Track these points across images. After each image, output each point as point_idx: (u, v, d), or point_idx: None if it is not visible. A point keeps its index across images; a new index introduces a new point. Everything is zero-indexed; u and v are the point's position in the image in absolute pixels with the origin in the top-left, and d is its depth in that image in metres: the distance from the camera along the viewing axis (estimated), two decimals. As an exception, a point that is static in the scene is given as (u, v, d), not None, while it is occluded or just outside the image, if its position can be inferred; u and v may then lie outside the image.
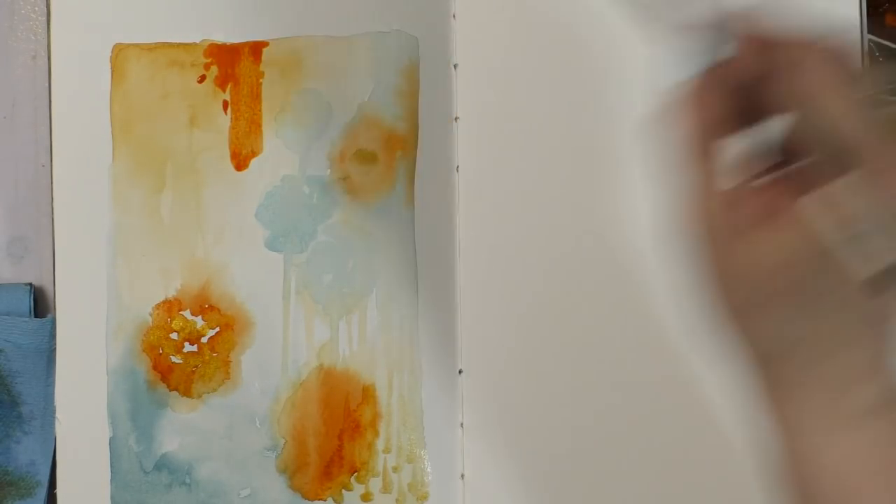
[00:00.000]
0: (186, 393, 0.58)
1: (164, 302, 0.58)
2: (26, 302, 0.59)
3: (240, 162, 0.59)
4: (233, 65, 0.59)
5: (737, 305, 0.41)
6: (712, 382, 0.58)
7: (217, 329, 0.58)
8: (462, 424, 0.60)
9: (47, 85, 0.59)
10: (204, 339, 0.58)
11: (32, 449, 0.59)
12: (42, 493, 0.59)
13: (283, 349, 0.58)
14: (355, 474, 0.59)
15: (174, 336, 0.58)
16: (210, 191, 0.59)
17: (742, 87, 0.41)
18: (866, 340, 0.40)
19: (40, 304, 0.60)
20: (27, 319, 0.58)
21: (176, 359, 0.58)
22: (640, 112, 0.56)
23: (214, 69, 0.59)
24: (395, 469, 0.59)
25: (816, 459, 0.41)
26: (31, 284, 0.59)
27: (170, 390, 0.58)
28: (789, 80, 0.40)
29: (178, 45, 0.59)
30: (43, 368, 0.58)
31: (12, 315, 0.58)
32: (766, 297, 0.40)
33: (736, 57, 0.41)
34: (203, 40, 0.59)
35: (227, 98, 0.59)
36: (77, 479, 0.58)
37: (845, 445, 0.40)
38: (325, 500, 0.58)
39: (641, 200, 0.53)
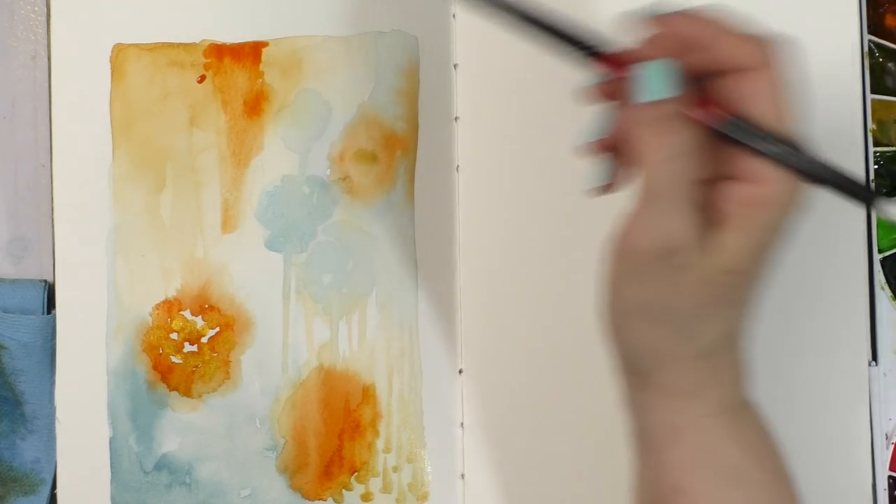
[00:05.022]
0: (186, 393, 0.58)
1: (164, 302, 0.58)
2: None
3: (240, 162, 0.59)
4: (233, 65, 0.59)
5: (614, 313, 0.44)
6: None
7: (217, 329, 0.58)
8: (462, 424, 0.60)
9: (47, 85, 0.59)
10: (204, 339, 0.58)
11: (37, 447, 0.59)
12: (46, 490, 0.59)
13: (283, 349, 0.58)
14: (355, 474, 0.59)
15: (174, 336, 0.58)
16: (210, 191, 0.59)
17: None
18: (714, 354, 0.42)
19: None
20: (32, 317, 0.58)
21: (176, 359, 0.58)
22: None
23: (214, 69, 0.59)
24: (395, 469, 0.59)
25: (662, 463, 0.44)
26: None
27: (170, 390, 0.58)
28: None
29: (178, 45, 0.59)
30: (47, 367, 0.58)
31: (16, 312, 0.58)
32: (635, 308, 0.43)
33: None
34: (203, 40, 0.59)
35: (228, 98, 0.59)
36: (77, 479, 0.58)
37: (687, 447, 0.43)
38: (325, 500, 0.58)
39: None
